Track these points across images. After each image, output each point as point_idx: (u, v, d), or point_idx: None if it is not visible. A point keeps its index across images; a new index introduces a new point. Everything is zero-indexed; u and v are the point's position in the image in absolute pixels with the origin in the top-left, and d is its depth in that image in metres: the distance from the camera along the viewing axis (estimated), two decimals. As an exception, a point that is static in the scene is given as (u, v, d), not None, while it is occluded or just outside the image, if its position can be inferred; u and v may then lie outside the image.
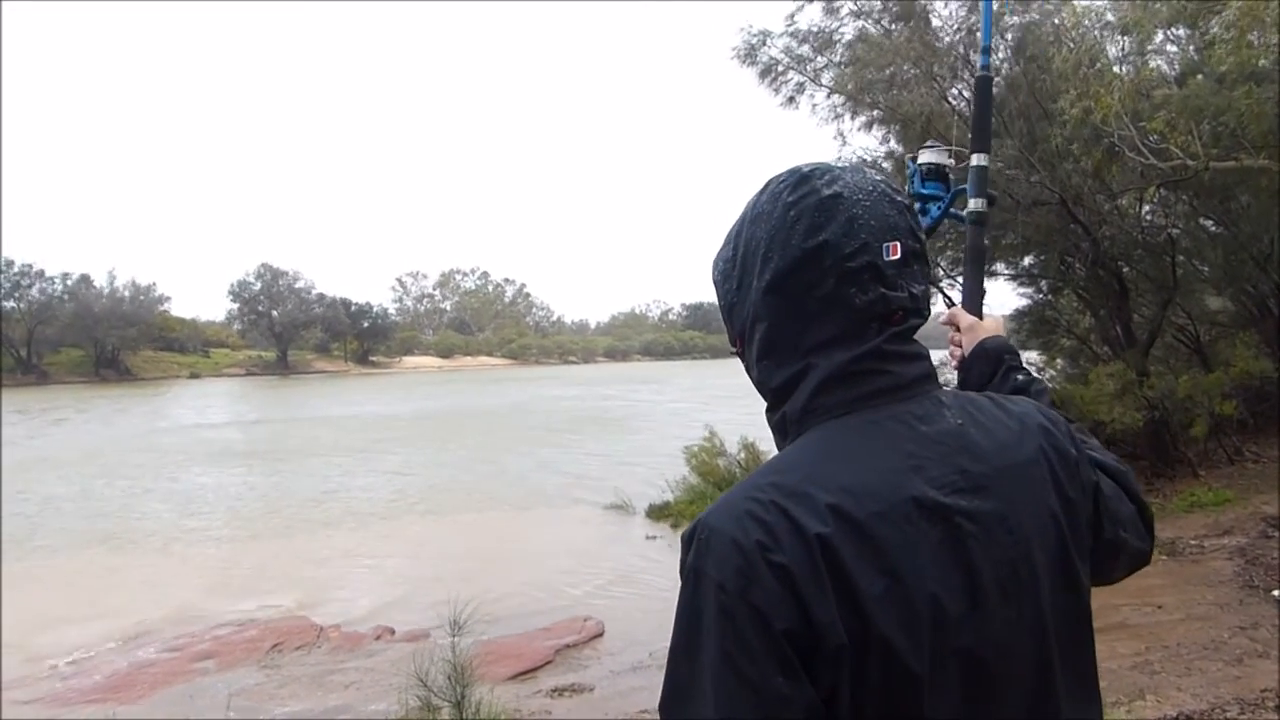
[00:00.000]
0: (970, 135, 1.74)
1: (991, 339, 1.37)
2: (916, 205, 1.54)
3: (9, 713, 6.28)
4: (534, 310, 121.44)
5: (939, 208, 1.72)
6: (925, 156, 1.75)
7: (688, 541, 0.89)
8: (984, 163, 1.70)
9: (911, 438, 0.93)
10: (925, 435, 0.93)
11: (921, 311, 0.98)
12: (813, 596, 0.82)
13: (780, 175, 1.01)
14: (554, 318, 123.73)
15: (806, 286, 0.95)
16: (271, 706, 6.16)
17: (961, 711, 0.87)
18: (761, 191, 1.02)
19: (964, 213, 1.72)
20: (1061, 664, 0.95)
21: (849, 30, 10.69)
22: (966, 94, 10.50)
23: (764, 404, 1.04)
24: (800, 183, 0.98)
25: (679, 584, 0.88)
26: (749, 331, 1.02)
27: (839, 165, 1.01)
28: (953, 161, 1.77)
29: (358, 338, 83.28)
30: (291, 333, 78.03)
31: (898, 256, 0.95)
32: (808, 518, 0.84)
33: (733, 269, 1.03)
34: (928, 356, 1.00)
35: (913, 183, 1.73)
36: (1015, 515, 0.93)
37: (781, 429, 1.01)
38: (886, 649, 0.83)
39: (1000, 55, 10.17)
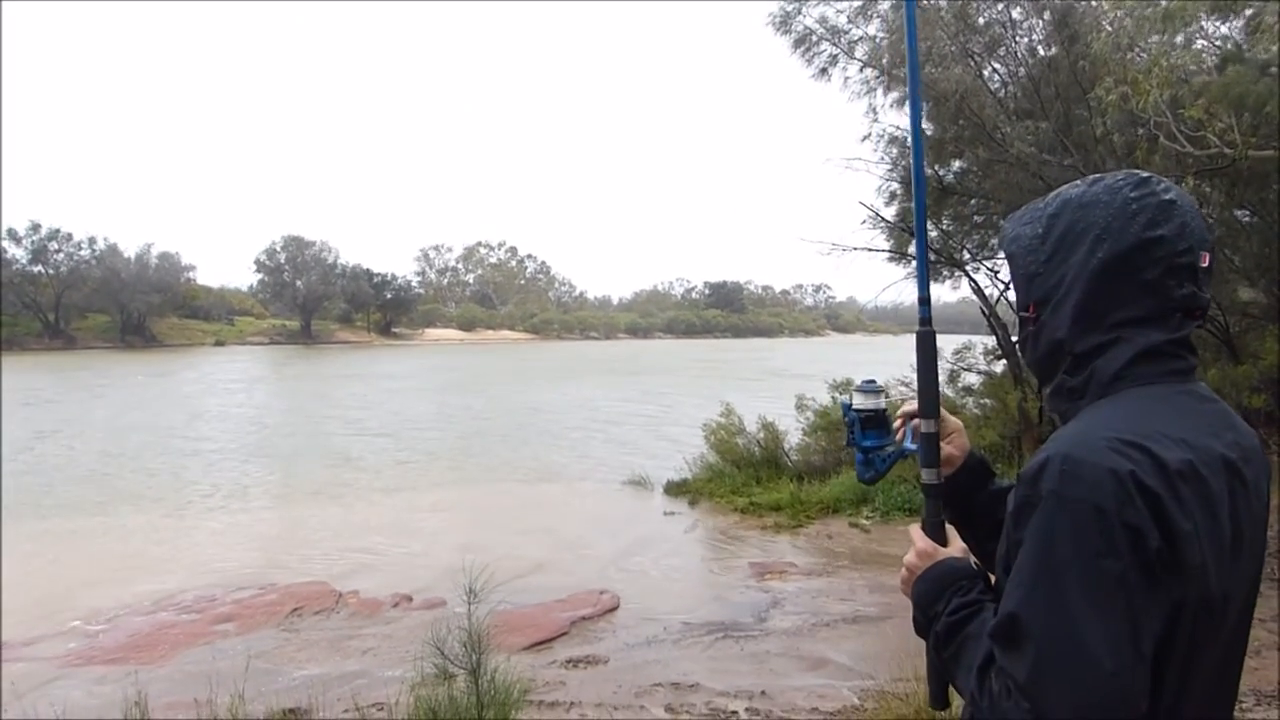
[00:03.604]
0: (917, 399, 1.48)
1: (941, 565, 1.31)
2: (858, 457, 1.55)
3: (34, 668, 6.42)
4: (556, 285, 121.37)
5: (883, 460, 1.57)
6: (859, 402, 1.57)
7: (1051, 473, 1.03)
8: (933, 429, 1.45)
9: (1202, 410, 1.13)
10: (1210, 410, 1.14)
11: (1206, 315, 1.20)
12: (1177, 519, 0.98)
13: (1117, 174, 1.20)
14: (576, 293, 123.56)
15: (1134, 270, 1.14)
16: (290, 669, 6.25)
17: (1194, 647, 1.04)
18: (1091, 184, 1.21)
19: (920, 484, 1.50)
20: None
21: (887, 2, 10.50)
22: (1002, 72, 10.34)
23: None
24: (1142, 184, 1.17)
25: (1027, 510, 1.05)
26: (1054, 298, 1.20)
27: (1167, 179, 1.20)
28: (885, 404, 1.59)
29: (380, 309, 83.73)
30: (315, 303, 78.56)
31: (1207, 265, 1.15)
32: (1166, 454, 1.02)
33: (1042, 244, 1.22)
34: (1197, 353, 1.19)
35: (852, 432, 1.57)
36: (1258, 489, 1.13)
37: (1079, 391, 1.18)
38: (1205, 576, 1.01)
39: (1038, 35, 9.97)
